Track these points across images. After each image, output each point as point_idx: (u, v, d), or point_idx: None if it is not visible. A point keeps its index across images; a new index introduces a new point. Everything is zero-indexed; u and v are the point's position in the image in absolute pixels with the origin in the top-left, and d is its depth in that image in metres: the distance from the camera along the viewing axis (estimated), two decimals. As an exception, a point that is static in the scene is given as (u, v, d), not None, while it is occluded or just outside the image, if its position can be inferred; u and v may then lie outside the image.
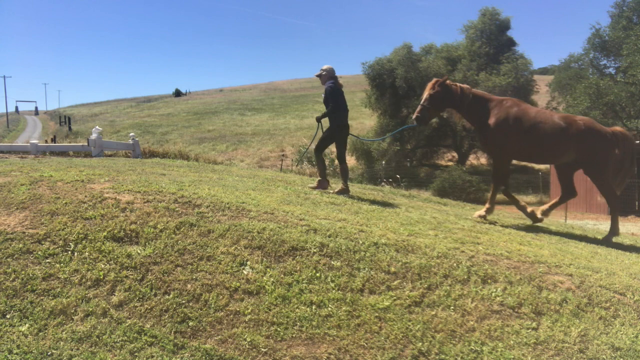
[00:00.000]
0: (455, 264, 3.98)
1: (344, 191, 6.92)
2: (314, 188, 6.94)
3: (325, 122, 7.00)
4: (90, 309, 3.11)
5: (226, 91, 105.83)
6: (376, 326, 3.19)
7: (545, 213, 6.79)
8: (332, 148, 7.23)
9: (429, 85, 6.76)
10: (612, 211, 6.55)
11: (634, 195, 19.48)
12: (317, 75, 7.08)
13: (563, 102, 32.35)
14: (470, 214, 6.94)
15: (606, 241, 6.40)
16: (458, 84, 6.80)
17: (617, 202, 6.52)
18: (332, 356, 2.94)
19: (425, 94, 6.72)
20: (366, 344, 3.06)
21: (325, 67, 6.99)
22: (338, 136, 6.90)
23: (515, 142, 6.47)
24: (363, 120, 44.40)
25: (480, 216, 6.56)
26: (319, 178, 7.11)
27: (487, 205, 6.67)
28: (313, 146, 7.43)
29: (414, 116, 6.86)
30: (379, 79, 34.32)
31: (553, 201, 6.95)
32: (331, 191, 6.93)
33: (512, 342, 3.21)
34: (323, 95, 6.93)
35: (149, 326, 3.02)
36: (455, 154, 36.10)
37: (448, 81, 6.72)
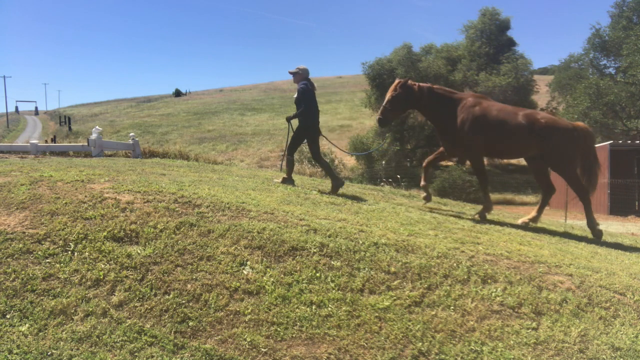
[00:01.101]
0: (455, 264, 3.98)
1: (337, 184, 6.87)
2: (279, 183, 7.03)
3: (295, 122, 7.01)
4: (90, 309, 3.11)
5: (226, 91, 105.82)
6: (376, 326, 3.19)
7: (535, 220, 6.82)
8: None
9: (392, 86, 6.82)
10: (584, 203, 6.53)
11: (634, 195, 19.48)
12: (292, 73, 7.03)
13: (563, 102, 32.42)
14: (470, 214, 6.95)
15: (596, 237, 6.45)
16: (419, 84, 6.79)
17: (586, 194, 6.51)
18: (332, 356, 2.94)
19: (388, 96, 6.78)
20: (366, 344, 3.05)
21: (301, 66, 6.98)
22: (308, 136, 6.92)
23: (480, 140, 6.49)
24: (363, 120, 44.43)
25: (480, 216, 6.60)
26: (285, 176, 7.12)
27: (484, 204, 6.72)
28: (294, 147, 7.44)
29: (377, 117, 6.96)
30: (379, 79, 34.35)
31: (537, 206, 6.95)
32: (328, 191, 6.92)
33: (512, 342, 3.21)
34: (295, 96, 6.91)
35: (149, 326, 3.02)
36: (455, 154, 36.08)
37: (410, 82, 6.73)
